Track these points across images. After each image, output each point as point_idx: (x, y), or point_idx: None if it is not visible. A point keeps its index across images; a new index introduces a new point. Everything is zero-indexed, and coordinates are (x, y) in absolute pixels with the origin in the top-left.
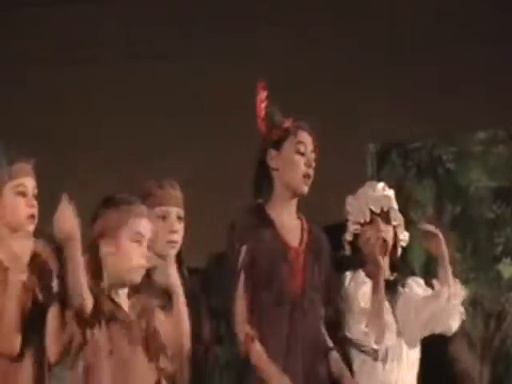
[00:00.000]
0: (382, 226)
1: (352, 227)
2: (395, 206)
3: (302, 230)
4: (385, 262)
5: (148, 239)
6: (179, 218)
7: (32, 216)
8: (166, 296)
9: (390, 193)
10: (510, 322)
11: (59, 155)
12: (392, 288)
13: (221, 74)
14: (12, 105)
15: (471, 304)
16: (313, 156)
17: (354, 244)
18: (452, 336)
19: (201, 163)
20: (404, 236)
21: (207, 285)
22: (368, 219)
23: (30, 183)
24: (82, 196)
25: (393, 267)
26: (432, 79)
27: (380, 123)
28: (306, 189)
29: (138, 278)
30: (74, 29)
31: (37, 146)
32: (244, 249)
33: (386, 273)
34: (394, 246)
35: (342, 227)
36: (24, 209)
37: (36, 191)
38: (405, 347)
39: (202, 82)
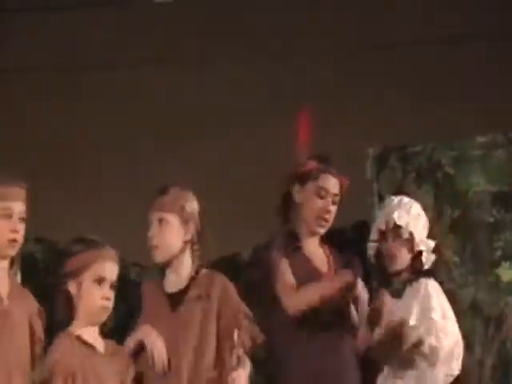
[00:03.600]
0: (390, 241)
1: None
2: (407, 219)
3: (327, 256)
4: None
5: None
6: (160, 220)
7: (14, 240)
8: None
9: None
10: (510, 325)
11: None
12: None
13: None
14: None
15: (470, 308)
16: (336, 199)
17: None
18: None
19: (205, 168)
20: (428, 244)
21: None
22: (375, 239)
23: (18, 207)
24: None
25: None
26: (432, 84)
27: (380, 127)
28: (321, 231)
29: (103, 318)
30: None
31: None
32: (283, 262)
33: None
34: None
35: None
36: (6, 232)
37: (24, 216)
38: None
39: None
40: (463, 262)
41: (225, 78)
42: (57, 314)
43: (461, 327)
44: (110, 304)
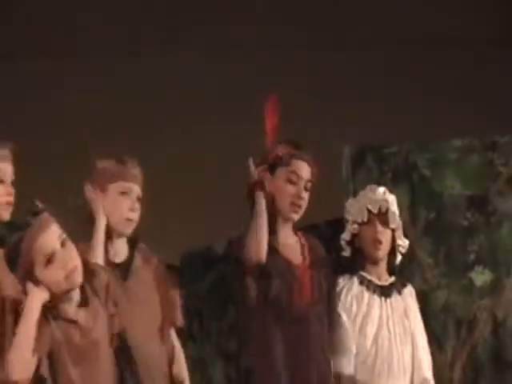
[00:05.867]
0: (379, 226)
1: (350, 227)
2: (395, 209)
3: (302, 246)
4: (382, 267)
5: None
6: (138, 197)
7: (9, 203)
8: None
9: (391, 197)
10: (481, 329)
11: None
12: (387, 293)
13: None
14: None
15: (443, 311)
16: (308, 185)
17: (352, 245)
18: None
19: (177, 157)
20: (403, 242)
21: (180, 283)
22: (365, 219)
23: (7, 169)
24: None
25: (390, 272)
26: (410, 87)
27: (356, 127)
28: (295, 216)
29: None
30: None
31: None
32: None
33: (383, 278)
34: (393, 250)
35: (317, 228)
36: (2, 196)
37: (13, 178)
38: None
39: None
40: (437, 264)
41: (189, 66)
42: None
43: (433, 329)
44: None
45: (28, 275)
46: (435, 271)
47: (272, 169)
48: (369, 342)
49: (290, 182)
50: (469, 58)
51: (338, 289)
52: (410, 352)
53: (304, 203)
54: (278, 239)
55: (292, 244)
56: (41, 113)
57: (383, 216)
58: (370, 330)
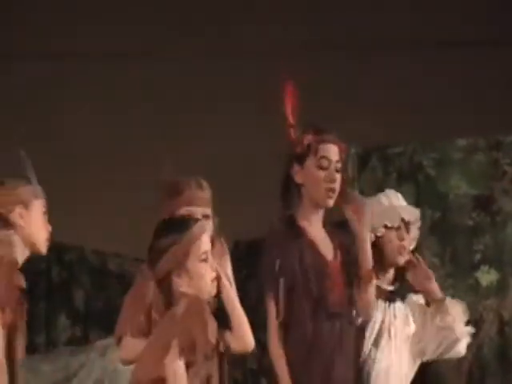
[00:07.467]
0: (405, 234)
1: (377, 229)
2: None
3: (333, 242)
4: (391, 272)
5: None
6: (206, 216)
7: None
8: None
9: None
10: (487, 329)
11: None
12: (392, 298)
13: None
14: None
15: None
16: (338, 166)
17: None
18: None
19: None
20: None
21: None
22: (396, 225)
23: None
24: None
25: (395, 279)
26: (414, 87)
27: (362, 127)
28: (330, 202)
29: (214, 291)
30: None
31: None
32: (278, 262)
33: (389, 283)
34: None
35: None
36: (46, 230)
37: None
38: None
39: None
40: (442, 264)
41: (189, 66)
42: None
43: None
44: None
45: (178, 263)
46: (441, 271)
47: (301, 159)
48: (367, 346)
49: (321, 167)
50: (469, 59)
51: None
52: (407, 361)
53: (337, 185)
54: (312, 230)
55: (323, 238)
56: (41, 113)
57: (407, 225)
58: (370, 335)
